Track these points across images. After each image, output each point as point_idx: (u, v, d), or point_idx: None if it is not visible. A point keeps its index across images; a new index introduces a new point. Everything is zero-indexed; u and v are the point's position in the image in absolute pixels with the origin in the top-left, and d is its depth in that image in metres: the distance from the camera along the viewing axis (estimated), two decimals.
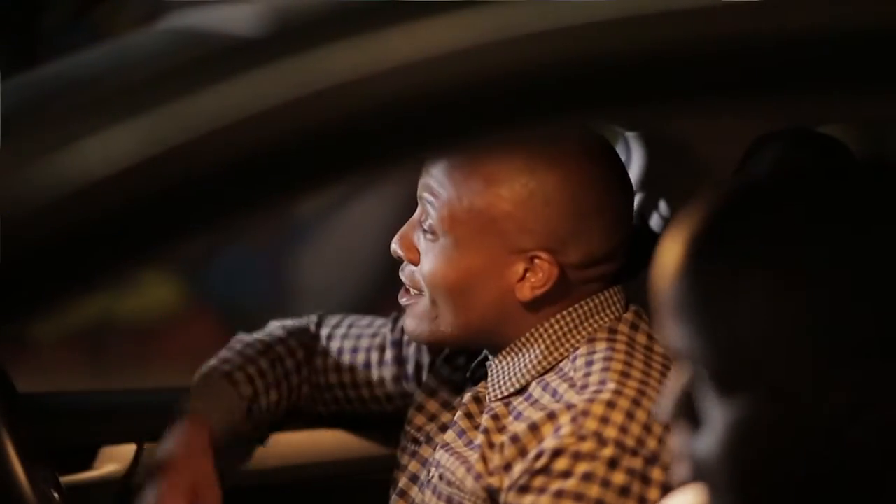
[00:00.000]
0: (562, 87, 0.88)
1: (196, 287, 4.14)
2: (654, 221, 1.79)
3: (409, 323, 1.63)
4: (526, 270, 1.57)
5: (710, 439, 0.92)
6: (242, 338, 1.85)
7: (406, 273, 1.62)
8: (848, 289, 0.89)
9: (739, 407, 0.91)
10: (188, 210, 0.87)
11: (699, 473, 0.95)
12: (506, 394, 1.61)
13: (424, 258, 1.59)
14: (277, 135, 0.85)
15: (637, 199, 1.73)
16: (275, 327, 1.88)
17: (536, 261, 1.56)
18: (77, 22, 3.73)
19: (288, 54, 0.86)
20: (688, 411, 0.94)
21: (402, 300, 1.64)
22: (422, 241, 1.60)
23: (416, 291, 1.61)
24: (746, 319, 0.90)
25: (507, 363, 1.62)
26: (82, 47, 0.97)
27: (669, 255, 0.94)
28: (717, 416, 0.92)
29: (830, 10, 0.90)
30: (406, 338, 1.82)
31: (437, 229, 1.58)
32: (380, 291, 4.16)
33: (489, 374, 1.64)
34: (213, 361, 1.80)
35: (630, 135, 1.74)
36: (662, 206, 1.79)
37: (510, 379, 1.61)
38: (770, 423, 0.91)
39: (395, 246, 1.62)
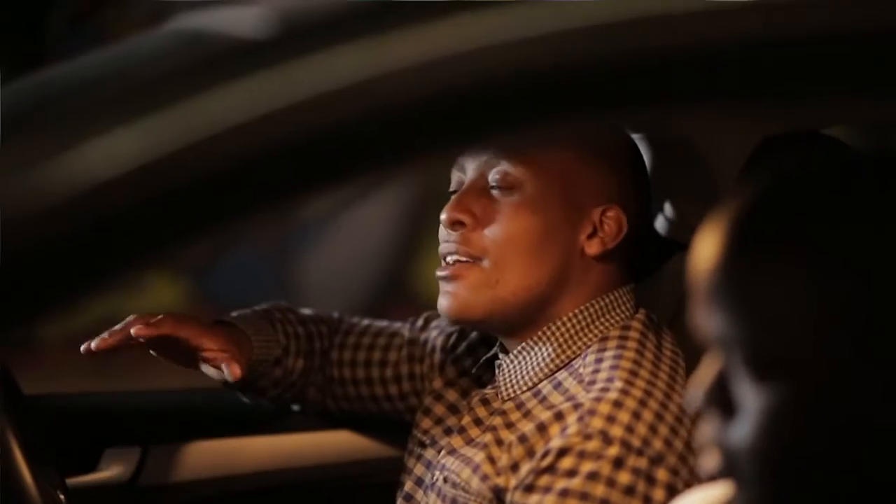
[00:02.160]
0: (570, 88, 0.88)
1: (200, 289, 4.15)
2: (660, 224, 1.79)
3: (462, 293, 1.60)
4: (595, 227, 1.61)
5: (744, 426, 0.93)
6: (280, 304, 1.86)
7: (457, 240, 1.60)
8: (882, 275, 0.90)
9: (774, 392, 0.92)
10: (193, 212, 0.87)
11: (730, 463, 0.95)
12: (518, 392, 1.61)
13: (495, 217, 1.59)
14: (283, 137, 0.86)
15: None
16: (306, 309, 1.88)
17: (609, 212, 1.61)
18: (81, 25, 3.73)
19: (293, 57, 0.86)
20: (721, 399, 0.95)
21: (446, 273, 1.61)
22: (484, 204, 1.60)
23: (469, 259, 1.60)
24: (783, 303, 0.92)
25: (521, 361, 1.62)
26: (87, 50, 0.97)
27: (707, 245, 0.96)
28: (751, 401, 0.93)
29: (835, 12, 0.90)
30: (423, 338, 1.82)
31: (516, 182, 1.59)
32: (385, 292, 4.16)
33: (501, 373, 1.65)
34: (252, 309, 1.82)
35: (637, 137, 1.75)
36: (668, 208, 1.79)
37: (523, 377, 1.61)
38: (803, 407, 0.91)
39: (452, 213, 1.60)
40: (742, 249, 0.94)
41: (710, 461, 0.96)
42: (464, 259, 1.60)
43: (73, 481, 1.85)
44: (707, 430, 0.97)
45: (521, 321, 1.63)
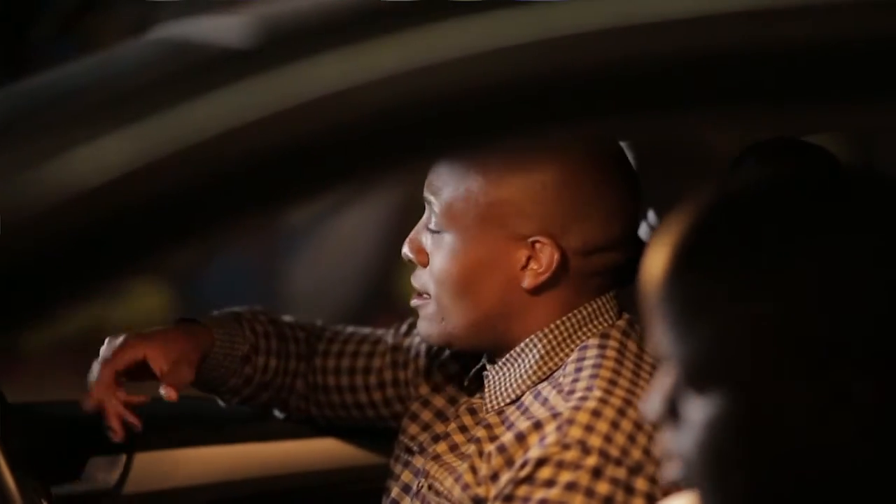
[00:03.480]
0: (557, 99, 0.89)
1: (186, 297, 4.14)
2: (643, 230, 1.80)
3: (421, 325, 1.65)
4: (529, 258, 1.59)
5: (687, 437, 0.96)
6: (253, 307, 1.87)
7: (416, 277, 1.64)
8: (815, 296, 0.92)
9: (711, 405, 0.94)
10: (180, 219, 0.87)
11: (686, 472, 0.97)
12: (501, 404, 1.61)
13: (432, 258, 1.61)
14: (267, 145, 0.86)
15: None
16: (285, 316, 1.89)
17: (538, 245, 1.58)
18: (66, 34, 3.73)
19: (276, 65, 0.87)
20: (672, 410, 0.97)
21: (414, 302, 1.65)
22: (429, 242, 1.62)
23: (426, 294, 1.63)
24: (719, 321, 0.94)
25: (504, 373, 1.62)
26: (71, 59, 0.97)
27: (655, 260, 0.98)
28: (692, 414, 0.95)
29: (821, 20, 0.90)
30: (406, 344, 1.83)
31: (440, 225, 1.60)
32: (371, 300, 4.16)
33: (486, 384, 1.65)
34: (222, 311, 1.84)
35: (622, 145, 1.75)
36: (651, 215, 1.80)
37: (506, 389, 1.62)
38: (738, 420, 0.94)
39: (405, 250, 1.64)
40: (686, 265, 0.96)
41: (668, 470, 0.99)
42: (422, 293, 1.64)
43: (57, 489, 1.84)
44: (664, 439, 0.99)
45: (487, 345, 1.65)
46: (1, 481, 1.58)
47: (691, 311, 0.95)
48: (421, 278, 1.63)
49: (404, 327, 1.87)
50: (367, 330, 1.90)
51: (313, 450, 1.99)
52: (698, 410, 0.95)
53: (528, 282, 1.59)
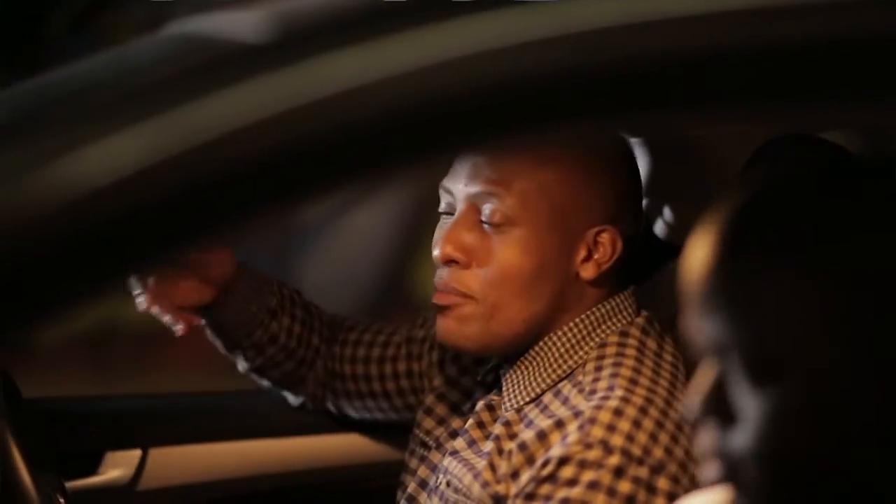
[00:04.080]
0: (569, 94, 0.89)
1: None
2: (659, 227, 1.79)
3: (452, 325, 1.58)
4: (589, 250, 1.58)
5: (745, 433, 0.92)
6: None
7: (450, 276, 1.57)
8: (884, 281, 0.90)
9: (774, 396, 0.91)
10: (192, 217, 0.87)
11: (731, 472, 0.94)
12: (521, 403, 1.60)
13: (488, 256, 1.56)
14: (282, 142, 0.85)
15: (644, 203, 1.74)
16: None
17: (603, 234, 1.58)
18: (80, 31, 3.73)
19: (293, 60, 0.86)
20: (719, 407, 0.94)
21: (442, 302, 1.59)
22: (482, 239, 1.57)
23: (462, 294, 1.57)
24: (782, 306, 0.91)
25: (522, 373, 1.61)
26: (85, 55, 0.97)
27: (699, 250, 0.96)
28: (751, 407, 0.92)
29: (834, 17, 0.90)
30: (421, 336, 1.82)
31: (509, 219, 1.56)
32: (385, 296, 4.16)
33: (504, 384, 1.63)
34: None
35: (635, 141, 1.74)
36: (667, 212, 1.79)
37: (525, 388, 1.60)
38: (805, 411, 0.91)
39: (447, 250, 1.57)
40: (736, 253, 0.94)
41: (710, 470, 0.96)
42: (454, 293, 1.58)
43: (72, 485, 1.85)
44: (706, 439, 0.96)
45: (518, 347, 1.61)
46: (16, 476, 1.58)
47: (749, 297, 0.92)
48: (463, 278, 1.57)
49: (419, 320, 1.87)
50: (383, 323, 1.90)
51: (329, 445, 1.99)
52: (757, 403, 0.91)
53: (589, 272, 1.58)
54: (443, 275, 1.59)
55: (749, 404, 0.92)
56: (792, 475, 0.92)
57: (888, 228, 0.92)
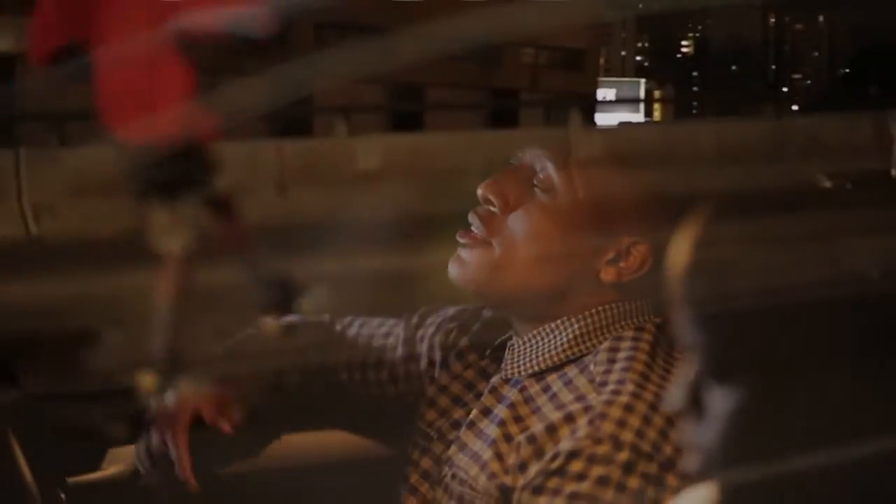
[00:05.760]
0: None
1: None
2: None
3: (464, 265, 1.61)
4: (618, 255, 1.58)
5: (709, 429, 0.96)
6: None
7: (482, 215, 1.62)
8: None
9: (731, 396, 0.94)
10: None
11: (707, 464, 0.97)
12: (523, 374, 1.61)
13: (527, 213, 1.59)
14: None
15: None
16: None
17: (639, 247, 1.58)
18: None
19: None
20: (695, 402, 0.97)
21: (462, 239, 1.62)
22: (525, 194, 1.60)
23: (486, 237, 1.61)
24: (739, 314, 0.94)
25: (533, 345, 1.62)
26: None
27: (678, 256, 0.99)
28: (715, 405, 0.95)
29: None
30: (419, 335, 1.83)
31: (552, 186, 1.59)
32: (377, 300, 4.16)
33: (510, 354, 1.64)
34: None
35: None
36: None
37: (530, 361, 1.61)
38: (756, 412, 0.93)
39: (487, 190, 1.61)
40: (705, 258, 0.97)
41: (690, 461, 0.99)
42: (479, 234, 1.61)
43: (74, 480, 1.84)
44: (685, 431, 0.99)
45: (523, 309, 1.63)
46: (18, 472, 1.58)
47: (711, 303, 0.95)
48: (491, 222, 1.61)
49: (415, 318, 1.87)
50: (376, 321, 1.90)
51: (328, 441, 2.00)
52: (719, 401, 0.94)
53: (609, 275, 1.59)
54: (477, 212, 1.63)
55: (713, 402, 0.95)
56: (744, 471, 0.94)
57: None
